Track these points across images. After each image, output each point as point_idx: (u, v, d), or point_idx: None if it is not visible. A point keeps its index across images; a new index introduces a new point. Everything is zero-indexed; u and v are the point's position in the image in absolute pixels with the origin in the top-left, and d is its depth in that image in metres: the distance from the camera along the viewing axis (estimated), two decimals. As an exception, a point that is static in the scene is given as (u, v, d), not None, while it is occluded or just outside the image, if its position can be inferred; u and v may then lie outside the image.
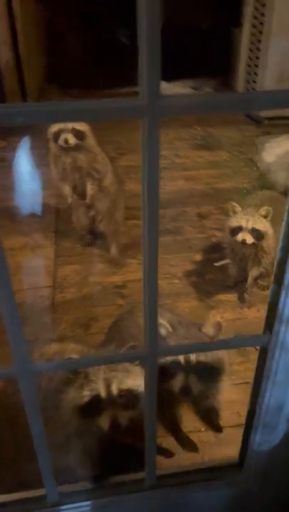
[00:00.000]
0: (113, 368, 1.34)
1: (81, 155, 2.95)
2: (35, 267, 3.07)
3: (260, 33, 4.52)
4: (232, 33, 5.22)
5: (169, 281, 2.97)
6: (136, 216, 3.61)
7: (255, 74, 4.75)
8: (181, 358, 1.43)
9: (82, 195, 3.09)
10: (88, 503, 1.30)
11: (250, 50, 4.80)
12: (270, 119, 4.78)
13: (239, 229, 2.64)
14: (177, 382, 1.45)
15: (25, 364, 0.96)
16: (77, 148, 2.89)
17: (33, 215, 3.47)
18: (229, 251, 2.89)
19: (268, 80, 4.63)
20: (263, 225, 2.65)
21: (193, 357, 1.43)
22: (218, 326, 1.66)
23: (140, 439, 1.25)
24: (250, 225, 2.62)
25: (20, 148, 4.15)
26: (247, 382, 2.33)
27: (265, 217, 2.65)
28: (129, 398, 1.32)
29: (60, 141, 2.83)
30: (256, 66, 4.71)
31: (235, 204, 2.74)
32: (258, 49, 4.62)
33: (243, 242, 2.62)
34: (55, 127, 2.85)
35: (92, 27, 5.78)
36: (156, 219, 0.84)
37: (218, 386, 1.60)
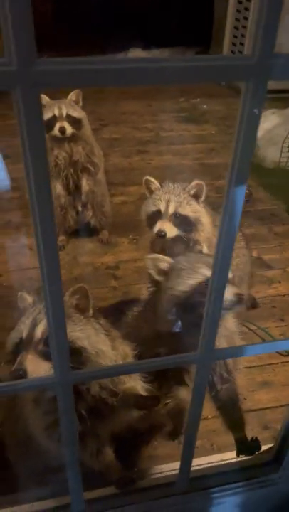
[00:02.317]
0: None
1: (78, 147, 2.57)
2: (20, 247, 2.87)
3: (248, 0, 4.33)
4: (216, 1, 5.00)
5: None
6: (123, 192, 3.45)
7: (241, 44, 4.58)
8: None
9: (75, 192, 2.72)
10: (115, 510, 1.20)
11: (237, 19, 4.61)
12: (255, 92, 4.65)
13: (156, 215, 1.89)
14: None
15: (66, 373, 0.82)
16: (72, 139, 2.52)
17: (12, 190, 3.24)
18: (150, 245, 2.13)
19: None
20: (192, 209, 1.89)
21: None
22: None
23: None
24: (171, 210, 1.87)
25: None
26: (250, 367, 2.29)
27: (195, 197, 1.91)
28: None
29: (55, 131, 2.45)
30: (242, 36, 4.53)
31: (151, 179, 1.97)
32: (245, 18, 4.44)
33: (159, 234, 1.85)
34: (47, 114, 2.44)
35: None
36: (240, 207, 0.71)
37: None
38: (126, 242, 2.99)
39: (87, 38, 5.51)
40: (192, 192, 1.91)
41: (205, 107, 4.60)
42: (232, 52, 4.81)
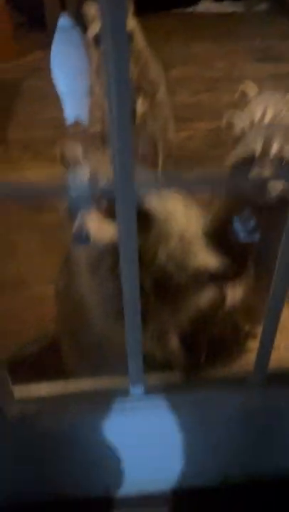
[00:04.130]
0: None
1: (130, 63, 2.33)
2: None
3: None
4: None
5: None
6: (188, 127, 3.24)
7: None
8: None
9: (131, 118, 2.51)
10: (178, 396, 1.06)
11: None
12: None
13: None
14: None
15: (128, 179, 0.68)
16: None
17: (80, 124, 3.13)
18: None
19: None
20: None
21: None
22: None
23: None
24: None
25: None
26: None
27: None
28: None
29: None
30: None
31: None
32: None
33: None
34: (95, 28, 2.23)
35: None
36: None
37: None
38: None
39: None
40: None
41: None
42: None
